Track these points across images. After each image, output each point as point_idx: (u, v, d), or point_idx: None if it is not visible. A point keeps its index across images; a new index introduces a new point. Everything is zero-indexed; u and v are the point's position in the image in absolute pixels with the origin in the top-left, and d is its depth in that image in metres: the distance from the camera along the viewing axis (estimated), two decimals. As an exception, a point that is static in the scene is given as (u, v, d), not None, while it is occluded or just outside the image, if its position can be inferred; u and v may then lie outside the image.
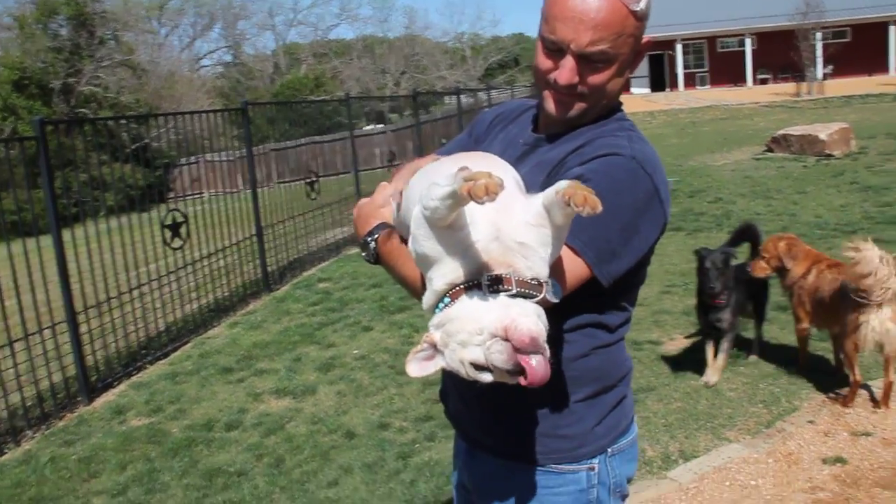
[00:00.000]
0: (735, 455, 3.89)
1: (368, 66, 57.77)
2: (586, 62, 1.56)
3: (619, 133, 1.64)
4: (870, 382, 4.57)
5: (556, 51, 1.57)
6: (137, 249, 6.65)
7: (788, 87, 35.09)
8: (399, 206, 1.64)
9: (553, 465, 1.67)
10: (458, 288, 1.31)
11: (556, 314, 1.41)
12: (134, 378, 6.31)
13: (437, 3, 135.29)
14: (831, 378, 4.77)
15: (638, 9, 1.54)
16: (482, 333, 1.25)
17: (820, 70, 34.50)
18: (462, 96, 17.36)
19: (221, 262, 7.93)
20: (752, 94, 34.86)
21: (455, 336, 1.29)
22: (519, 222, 1.33)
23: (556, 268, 1.40)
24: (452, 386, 1.84)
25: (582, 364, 1.65)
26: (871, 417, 4.23)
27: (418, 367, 1.37)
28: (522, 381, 1.24)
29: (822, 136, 13.80)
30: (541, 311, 1.30)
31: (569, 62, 1.56)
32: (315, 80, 43.76)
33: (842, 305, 4.29)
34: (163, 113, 7.76)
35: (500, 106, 1.97)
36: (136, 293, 6.71)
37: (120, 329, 6.55)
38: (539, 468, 1.67)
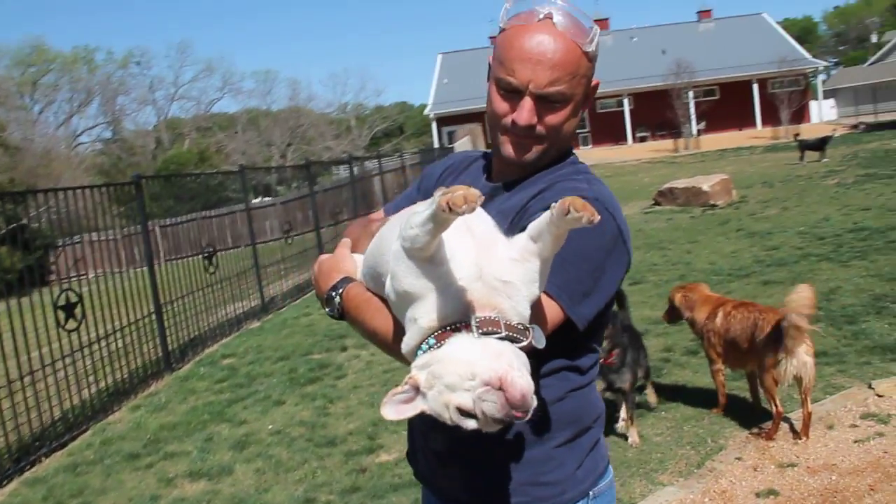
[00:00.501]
0: (672, 497, 3.91)
1: (253, 139, 57.41)
2: (544, 103, 1.58)
3: (576, 176, 1.67)
4: (788, 415, 4.71)
5: (512, 92, 1.59)
6: (28, 334, 6.23)
7: (666, 143, 36.94)
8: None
9: None
10: (445, 329, 1.27)
11: (531, 359, 1.37)
12: (27, 474, 5.86)
13: (320, 75, 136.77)
14: (750, 414, 4.90)
15: (590, 50, 1.59)
16: (474, 379, 1.20)
17: (694, 126, 36.54)
18: (354, 165, 17.38)
19: (119, 343, 7.53)
20: (632, 151, 36.49)
21: (443, 378, 1.24)
22: (502, 259, 1.31)
23: (534, 312, 1.37)
24: (425, 445, 1.78)
25: (558, 408, 1.64)
26: (793, 449, 4.36)
27: (395, 409, 1.29)
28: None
29: (705, 187, 14.51)
30: (526, 358, 1.27)
31: (527, 103, 1.58)
32: (199, 155, 43.11)
33: (758, 343, 4.43)
34: (45, 189, 7.35)
35: (446, 159, 1.97)
36: (27, 380, 6.27)
37: (10, 420, 6.08)
38: None
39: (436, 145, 40.23)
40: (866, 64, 53.46)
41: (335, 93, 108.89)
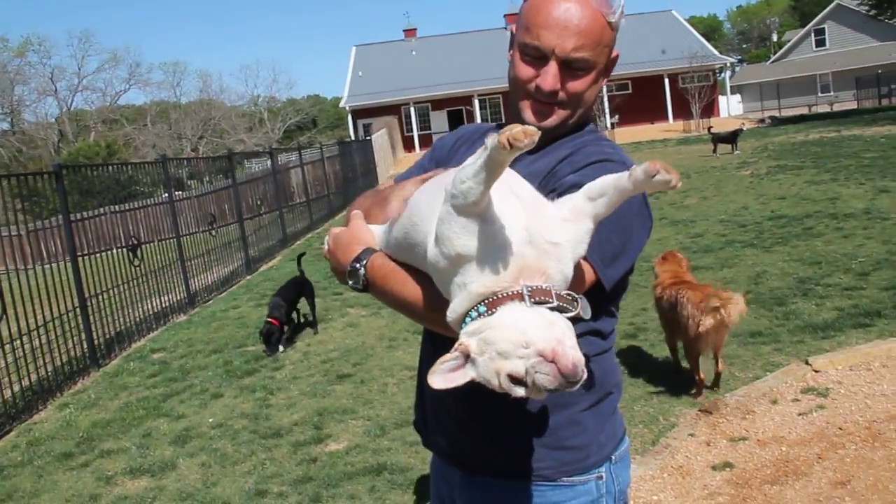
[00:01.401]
0: (632, 475, 3.95)
1: (164, 132, 55.93)
2: (568, 69, 1.60)
3: (601, 142, 1.68)
4: (734, 392, 4.87)
5: (538, 58, 1.60)
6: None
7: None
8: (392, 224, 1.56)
9: (564, 478, 1.64)
10: (496, 296, 1.25)
11: None
12: (-50, 478, 5.54)
13: (231, 67, 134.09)
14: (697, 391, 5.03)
15: (613, 20, 1.61)
16: (528, 348, 1.18)
17: (608, 119, 37.27)
18: (280, 156, 17.09)
19: (43, 339, 7.19)
20: (548, 144, 36.96)
21: (495, 345, 1.21)
22: (553, 219, 1.31)
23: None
24: (445, 412, 1.74)
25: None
26: (742, 423, 4.49)
27: (443, 378, 1.26)
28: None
29: (625, 177, 14.79)
30: (572, 329, 1.25)
31: (552, 68, 1.59)
32: (107, 148, 41.68)
33: (680, 319, 4.92)
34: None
35: (458, 130, 1.95)
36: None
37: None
38: (549, 482, 1.64)
39: (352, 137, 39.93)
40: (769, 62, 55.70)
41: (247, 85, 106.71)
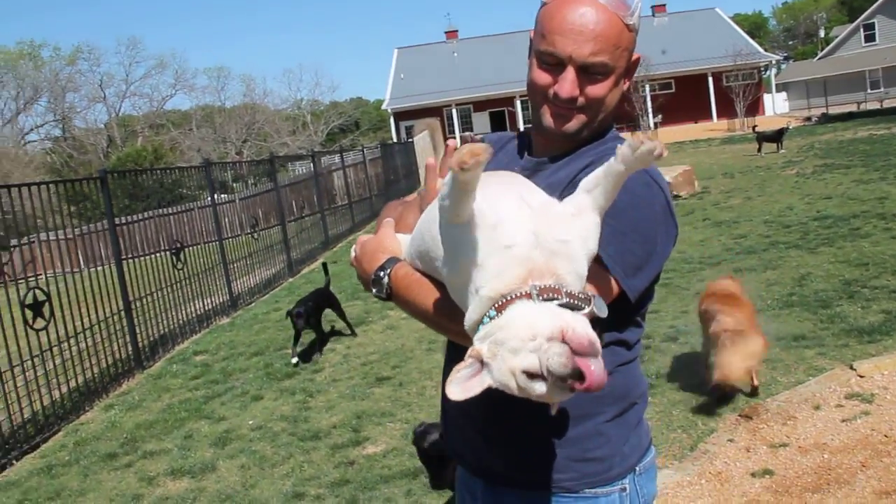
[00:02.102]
0: (669, 480, 3.92)
1: (208, 136, 56.74)
2: (586, 74, 1.58)
3: None
4: (775, 397, 4.79)
5: (555, 65, 1.59)
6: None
7: (625, 135, 37.23)
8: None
9: (587, 490, 1.62)
10: (505, 299, 1.24)
11: None
12: (-1, 477, 5.69)
13: (274, 71, 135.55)
14: (737, 397, 4.95)
15: (631, 22, 1.58)
16: (536, 339, 1.17)
17: (651, 119, 36.90)
18: (317, 159, 17.23)
19: (89, 341, 7.34)
20: (591, 145, 36.70)
21: (505, 344, 1.21)
22: (560, 216, 1.31)
23: (592, 284, 1.37)
24: (468, 422, 1.74)
25: (609, 382, 1.60)
26: (783, 430, 4.40)
27: (461, 388, 1.25)
28: (579, 385, 1.16)
29: (669, 178, 14.60)
30: (587, 322, 1.23)
31: (570, 74, 1.57)
32: (154, 152, 42.35)
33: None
34: (9, 185, 7.08)
35: (484, 139, 1.94)
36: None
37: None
38: (572, 494, 1.62)
39: (394, 140, 40.09)
40: (816, 58, 54.60)
41: (290, 89, 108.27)
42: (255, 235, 12.36)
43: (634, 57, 1.65)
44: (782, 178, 15.93)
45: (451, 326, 1.43)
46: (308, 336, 7.73)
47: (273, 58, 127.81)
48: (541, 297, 1.23)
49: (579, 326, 1.17)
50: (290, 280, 12.66)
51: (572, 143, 1.67)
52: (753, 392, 4.97)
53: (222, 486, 4.87)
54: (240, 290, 11.11)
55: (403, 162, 26.41)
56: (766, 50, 47.03)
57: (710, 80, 40.87)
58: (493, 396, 1.30)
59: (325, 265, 8.78)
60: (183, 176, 12.98)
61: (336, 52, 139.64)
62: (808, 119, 36.03)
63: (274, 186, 13.90)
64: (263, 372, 7.23)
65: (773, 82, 45.31)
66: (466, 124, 45.04)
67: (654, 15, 49.22)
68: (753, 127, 26.04)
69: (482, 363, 1.24)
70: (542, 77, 1.61)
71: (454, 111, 44.08)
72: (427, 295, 1.49)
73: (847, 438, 4.18)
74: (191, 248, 10.40)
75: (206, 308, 10.05)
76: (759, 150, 21.72)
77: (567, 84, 1.57)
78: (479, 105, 44.42)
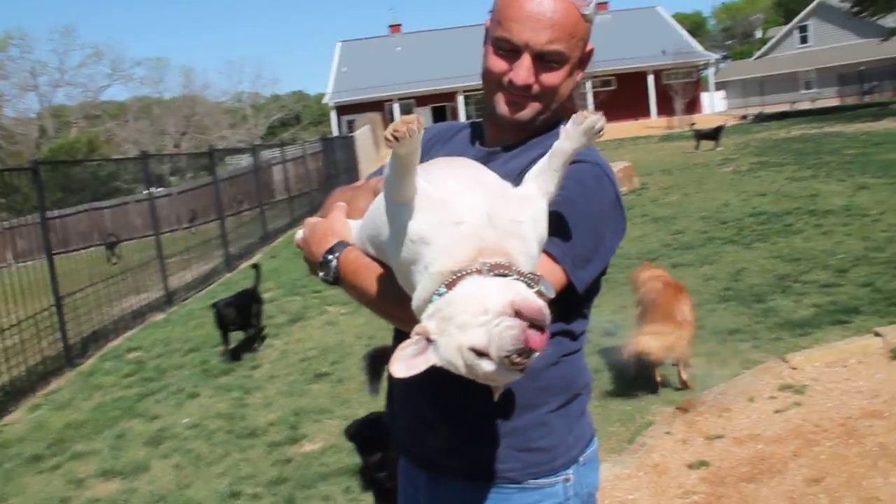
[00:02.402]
0: (608, 473, 3.93)
1: (146, 128, 55.48)
2: (541, 62, 1.58)
3: None
4: (711, 389, 4.85)
5: (510, 51, 1.59)
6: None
7: None
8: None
9: (531, 480, 1.62)
10: (455, 276, 1.22)
11: None
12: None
13: (215, 63, 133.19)
14: (674, 390, 5.02)
15: (587, 13, 1.60)
16: (487, 313, 1.15)
17: (592, 116, 37.27)
18: (263, 152, 16.98)
19: (17, 339, 7.09)
20: (532, 141, 36.96)
21: (454, 319, 1.18)
22: (513, 199, 1.33)
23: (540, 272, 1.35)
24: (411, 411, 1.72)
25: (552, 373, 1.63)
26: (718, 422, 4.46)
27: (405, 365, 1.22)
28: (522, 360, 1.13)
29: (608, 174, 14.80)
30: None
31: (525, 61, 1.58)
32: (89, 144, 41.34)
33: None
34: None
35: (431, 128, 1.91)
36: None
37: None
38: (515, 485, 1.62)
39: (335, 134, 39.77)
40: (753, 58, 55.91)
41: (231, 81, 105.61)
42: (193, 230, 12.13)
43: (588, 48, 1.66)
44: (719, 175, 16.23)
45: (397, 313, 1.42)
46: (239, 334, 7.58)
47: (214, 49, 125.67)
48: (491, 274, 1.21)
49: (529, 295, 1.16)
50: (228, 275, 12.44)
51: (524, 132, 1.67)
52: (683, 385, 5.03)
53: (155, 487, 4.74)
54: (176, 286, 10.88)
55: (344, 156, 26.22)
56: (705, 49, 47.85)
57: (651, 77, 41.49)
58: (438, 384, 1.30)
59: (256, 267, 8.47)
60: (119, 168, 12.65)
61: (278, 45, 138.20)
62: (745, 117, 36.83)
63: (213, 180, 13.64)
64: (199, 369, 7.08)
65: (712, 81, 46.19)
66: (409, 119, 44.89)
67: (596, 13, 49.78)
68: (692, 125, 26.49)
69: (428, 340, 1.22)
70: (498, 64, 1.61)
71: (396, 106, 43.89)
72: (376, 280, 1.47)
73: (780, 429, 4.26)
74: (126, 242, 10.15)
75: (141, 304, 9.82)
76: (697, 147, 22.12)
77: (522, 71, 1.57)
78: (422, 100, 44.28)
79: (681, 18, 59.93)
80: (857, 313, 6.06)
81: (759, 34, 69.79)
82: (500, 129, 1.69)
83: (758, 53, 56.13)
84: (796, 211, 10.72)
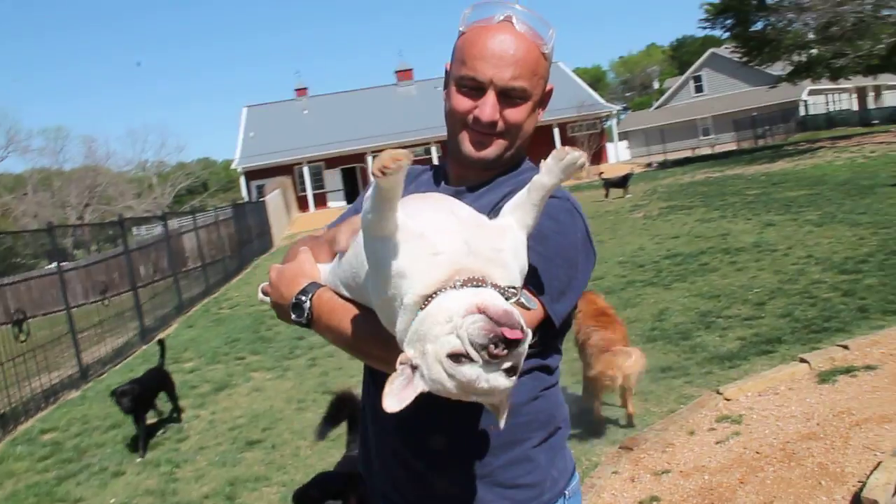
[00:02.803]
0: (560, 520, 3.88)
1: (46, 200, 53.72)
2: (506, 98, 1.60)
3: None
4: (653, 427, 4.87)
5: (475, 89, 1.61)
6: None
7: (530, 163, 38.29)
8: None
9: None
10: (429, 299, 1.20)
11: None
12: None
13: (117, 132, 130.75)
14: (618, 429, 5.03)
15: (547, 51, 1.63)
16: (452, 319, 1.13)
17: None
18: (168, 220, 16.60)
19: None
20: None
21: (427, 336, 1.16)
22: (493, 229, 1.32)
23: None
24: (389, 454, 1.67)
25: (533, 408, 1.63)
26: (663, 457, 4.50)
27: (397, 399, 1.19)
28: (502, 352, 1.10)
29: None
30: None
31: (490, 98, 1.60)
32: (-15, 220, 39.71)
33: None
34: None
35: None
36: None
37: None
38: None
39: (245, 199, 39.31)
40: (652, 108, 58.25)
41: (134, 150, 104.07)
42: (106, 302, 11.68)
43: (548, 87, 1.69)
44: (631, 220, 16.68)
45: (376, 352, 1.39)
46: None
47: (116, 117, 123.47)
48: (465, 287, 1.19)
49: (494, 297, 1.15)
50: (144, 347, 12.00)
51: (489, 171, 1.68)
52: (629, 422, 5.06)
53: (82, 573, 4.45)
54: (90, 361, 10.41)
55: (256, 221, 25.92)
56: (606, 101, 49.56)
57: (556, 130, 42.64)
58: (418, 426, 1.27)
59: (161, 343, 7.86)
60: (17, 243, 12.13)
61: (182, 112, 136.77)
62: (650, 165, 38.16)
63: (125, 250, 13.23)
64: (123, 445, 6.74)
65: (615, 131, 47.78)
66: (318, 182, 44.81)
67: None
68: (600, 174, 27.23)
69: (413, 368, 1.19)
70: (463, 103, 1.62)
71: (306, 169, 43.75)
72: (352, 320, 1.44)
73: (723, 459, 4.31)
74: (34, 318, 9.69)
75: (53, 382, 9.33)
76: (607, 195, 22.70)
77: (488, 108, 1.59)
78: (331, 162, 44.30)
79: (581, 73, 62.23)
80: (780, 343, 6.24)
81: (656, 85, 72.92)
82: (464, 168, 1.69)
83: (657, 103, 58.55)
84: (710, 250, 11.07)
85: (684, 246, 11.97)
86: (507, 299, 1.20)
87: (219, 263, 19.53)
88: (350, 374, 7.89)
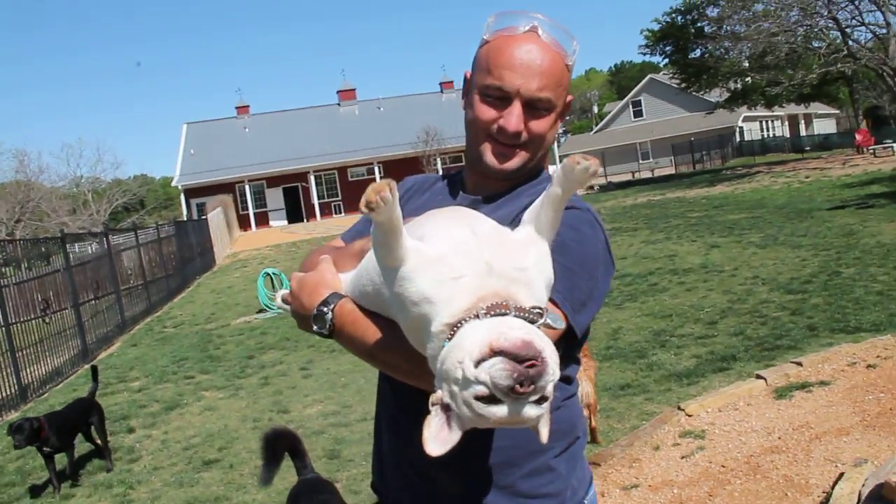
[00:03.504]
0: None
1: (-25, 216, 51.87)
2: (531, 109, 1.59)
3: None
4: (618, 442, 4.94)
5: (500, 99, 1.59)
6: None
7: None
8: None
9: None
10: (454, 329, 1.17)
11: None
12: None
13: (50, 146, 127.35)
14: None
15: (571, 63, 1.63)
16: (473, 358, 1.10)
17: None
18: (113, 237, 16.21)
19: None
20: (387, 218, 37.37)
21: (449, 378, 1.14)
22: (515, 245, 1.29)
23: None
24: (407, 466, 1.64)
25: (556, 417, 1.57)
26: (630, 472, 4.55)
27: (439, 444, 1.17)
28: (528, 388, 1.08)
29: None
30: (542, 333, 1.16)
31: (516, 108, 1.58)
32: None
33: None
34: None
35: (406, 181, 1.88)
36: None
37: None
38: None
39: (185, 217, 38.67)
40: (592, 132, 59.33)
41: (69, 165, 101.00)
42: (47, 319, 11.34)
43: (568, 98, 1.68)
44: (578, 241, 16.85)
45: (400, 364, 1.38)
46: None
47: (50, 132, 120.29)
48: (488, 316, 1.16)
49: (507, 331, 1.10)
50: (86, 366, 11.65)
51: (508, 182, 1.67)
52: (593, 436, 5.10)
53: None
54: (29, 381, 10.06)
55: (198, 239, 25.51)
56: (547, 125, 50.20)
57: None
58: None
59: (94, 369, 7.32)
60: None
61: (119, 128, 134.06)
62: (591, 188, 38.64)
63: (66, 265, 12.87)
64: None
65: (557, 154, 48.44)
66: (260, 200, 44.38)
67: (442, 91, 51.33)
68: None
69: (446, 407, 1.17)
70: (487, 112, 1.60)
71: (247, 187, 43.30)
72: (375, 331, 1.41)
73: (690, 473, 4.38)
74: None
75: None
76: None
77: (514, 118, 1.57)
78: (273, 181, 43.94)
79: (522, 96, 62.94)
80: (734, 360, 6.39)
81: (595, 109, 74.25)
82: (483, 178, 1.68)
83: (597, 127, 59.63)
84: (658, 271, 11.28)
85: (632, 267, 12.16)
86: (532, 322, 1.18)
87: (161, 281, 19.15)
88: (304, 394, 7.81)
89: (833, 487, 3.82)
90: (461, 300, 1.18)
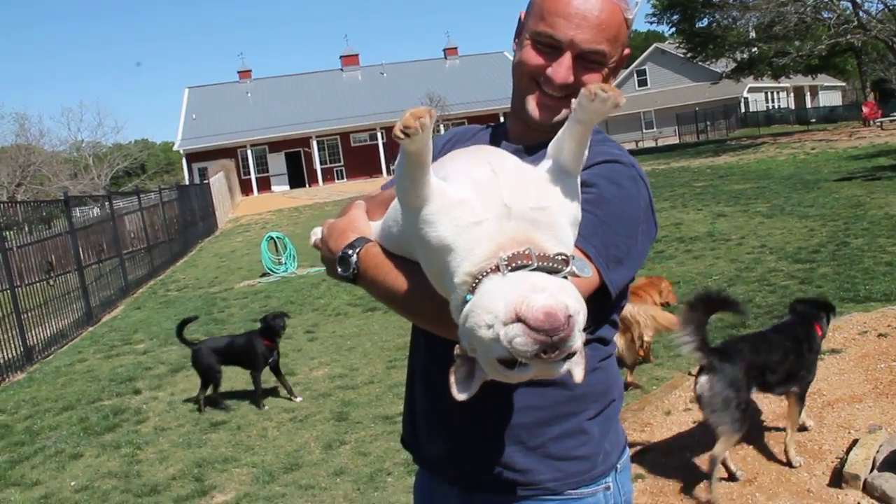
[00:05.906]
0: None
1: (-24, 179, 51.75)
2: (582, 61, 1.52)
3: (608, 142, 1.60)
4: (631, 409, 4.92)
5: (551, 47, 1.52)
6: None
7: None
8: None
9: (570, 491, 1.54)
10: (476, 280, 1.14)
11: None
12: None
13: (51, 110, 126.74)
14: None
15: (630, 16, 1.56)
16: (493, 325, 1.06)
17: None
18: (116, 201, 16.16)
19: None
20: (389, 184, 37.30)
21: (473, 336, 1.10)
22: (535, 183, 1.24)
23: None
24: (439, 423, 1.62)
25: (591, 379, 1.53)
26: (642, 436, 4.58)
27: (463, 387, 1.16)
28: (556, 355, 1.06)
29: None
30: (567, 285, 1.12)
31: (567, 59, 1.51)
32: (-90, 199, 38.16)
33: None
34: None
35: (449, 132, 1.83)
36: None
37: None
38: (555, 496, 1.54)
39: (187, 181, 38.57)
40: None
41: (70, 130, 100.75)
42: (52, 282, 11.32)
43: (626, 52, 1.61)
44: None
45: (424, 310, 1.34)
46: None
47: (50, 96, 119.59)
48: (509, 268, 1.12)
49: (535, 299, 1.05)
50: (91, 329, 11.67)
51: (551, 133, 1.59)
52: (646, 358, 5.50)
53: (49, 556, 4.29)
54: (35, 342, 10.07)
55: (200, 204, 25.46)
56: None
57: (503, 118, 42.71)
58: (474, 396, 1.19)
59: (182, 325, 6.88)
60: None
61: (120, 92, 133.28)
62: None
63: (70, 229, 12.82)
64: (79, 427, 6.52)
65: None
66: (262, 165, 44.26)
67: (445, 58, 50.96)
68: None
69: (470, 358, 1.15)
70: (535, 58, 1.54)
71: (249, 152, 43.17)
72: (399, 276, 1.37)
73: (702, 437, 4.36)
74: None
75: (-1, 363, 9.00)
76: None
77: (563, 69, 1.50)
78: (275, 146, 43.79)
79: (527, 64, 62.50)
80: (744, 327, 6.35)
81: (599, 79, 73.64)
82: (527, 127, 1.62)
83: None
84: (665, 239, 11.22)
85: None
86: (557, 271, 1.13)
87: (164, 245, 19.13)
88: (310, 357, 7.81)
89: (847, 453, 3.82)
90: (482, 249, 1.15)
